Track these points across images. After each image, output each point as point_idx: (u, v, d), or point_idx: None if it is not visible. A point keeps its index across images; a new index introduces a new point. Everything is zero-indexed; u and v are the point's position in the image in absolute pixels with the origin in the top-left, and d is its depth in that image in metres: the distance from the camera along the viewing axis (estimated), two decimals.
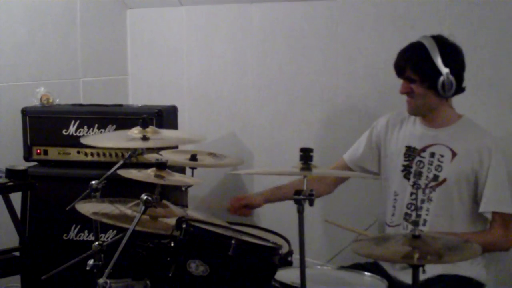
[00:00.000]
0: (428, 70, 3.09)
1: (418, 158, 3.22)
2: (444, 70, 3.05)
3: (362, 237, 3.16)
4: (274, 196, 3.62)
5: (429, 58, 3.08)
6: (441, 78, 3.06)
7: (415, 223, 2.52)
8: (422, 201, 3.18)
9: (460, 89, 3.14)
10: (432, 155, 3.19)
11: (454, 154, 3.15)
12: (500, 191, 3.11)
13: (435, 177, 3.17)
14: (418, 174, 3.20)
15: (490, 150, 3.10)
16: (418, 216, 3.14)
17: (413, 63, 3.13)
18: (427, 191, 3.18)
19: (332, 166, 3.59)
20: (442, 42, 3.12)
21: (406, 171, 3.26)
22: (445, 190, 3.16)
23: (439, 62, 3.06)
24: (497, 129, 3.42)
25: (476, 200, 3.15)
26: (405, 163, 3.26)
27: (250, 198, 3.67)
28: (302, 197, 2.55)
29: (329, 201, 3.61)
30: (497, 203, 3.10)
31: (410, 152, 3.25)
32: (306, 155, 2.64)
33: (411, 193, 3.21)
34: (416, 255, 2.37)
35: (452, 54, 3.12)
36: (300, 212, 2.56)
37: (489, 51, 3.52)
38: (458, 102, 3.22)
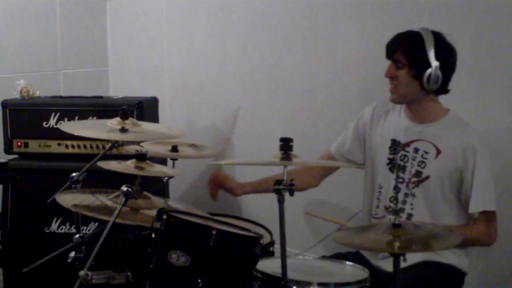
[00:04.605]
0: (418, 57, 3.08)
1: (402, 152, 3.22)
2: (434, 63, 3.04)
3: (344, 227, 3.17)
4: (259, 188, 3.56)
5: (422, 47, 3.06)
6: (429, 70, 3.05)
7: (396, 212, 2.49)
8: (406, 195, 3.19)
9: (444, 88, 3.14)
10: (416, 150, 3.19)
11: (438, 151, 3.14)
12: (486, 190, 3.11)
13: (418, 173, 3.17)
14: (402, 168, 3.20)
15: (475, 148, 3.09)
16: (402, 209, 3.14)
17: (406, 47, 3.12)
18: (410, 186, 3.19)
19: (318, 158, 3.58)
20: (439, 38, 3.10)
21: (392, 164, 3.26)
22: (428, 187, 3.16)
23: (431, 53, 3.05)
24: (477, 120, 3.43)
25: (459, 197, 3.15)
26: (391, 156, 3.26)
27: (230, 185, 3.56)
28: (282, 187, 2.54)
29: (311, 192, 3.61)
30: (484, 203, 3.10)
31: (396, 146, 3.25)
32: (286, 144, 2.64)
33: (395, 187, 3.20)
34: (397, 244, 2.38)
35: (446, 51, 3.10)
36: (281, 202, 2.56)
37: (468, 43, 3.52)
38: None
